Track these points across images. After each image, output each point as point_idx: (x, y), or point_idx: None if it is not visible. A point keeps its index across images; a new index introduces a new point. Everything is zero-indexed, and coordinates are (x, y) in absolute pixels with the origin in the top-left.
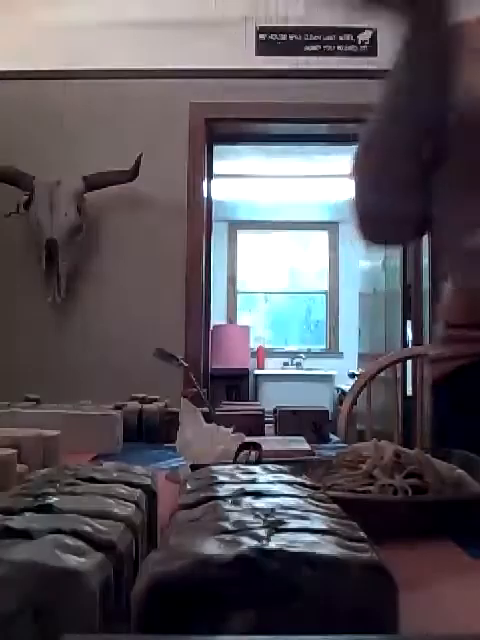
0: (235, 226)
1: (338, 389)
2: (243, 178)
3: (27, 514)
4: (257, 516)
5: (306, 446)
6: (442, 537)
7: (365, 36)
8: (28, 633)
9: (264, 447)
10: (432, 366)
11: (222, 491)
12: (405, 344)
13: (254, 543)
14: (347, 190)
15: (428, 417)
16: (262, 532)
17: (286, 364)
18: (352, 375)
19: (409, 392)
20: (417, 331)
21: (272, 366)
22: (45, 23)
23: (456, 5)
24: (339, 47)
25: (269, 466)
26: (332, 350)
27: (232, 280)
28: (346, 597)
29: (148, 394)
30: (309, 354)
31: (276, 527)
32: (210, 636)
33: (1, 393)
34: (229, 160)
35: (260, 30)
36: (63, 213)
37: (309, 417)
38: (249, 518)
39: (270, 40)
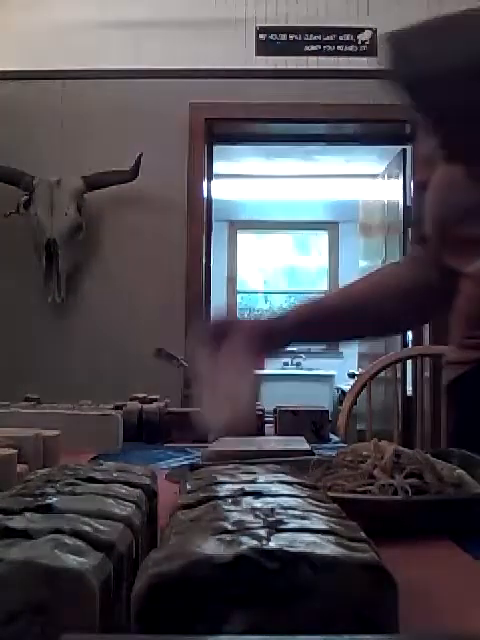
0: (235, 226)
1: (338, 389)
2: (243, 178)
3: (27, 514)
4: (257, 516)
5: (306, 446)
6: (442, 537)
7: (365, 36)
8: (28, 633)
9: (264, 447)
10: (448, 368)
11: (222, 491)
12: (405, 344)
13: (254, 543)
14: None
15: (429, 416)
16: (262, 532)
17: (286, 364)
18: (352, 375)
19: (409, 392)
20: (417, 331)
21: (272, 366)
22: (45, 23)
23: None
24: (339, 47)
25: (269, 466)
26: (332, 350)
27: (232, 280)
28: (346, 597)
29: (148, 394)
30: (309, 354)
31: (276, 527)
32: (210, 636)
33: (1, 393)
34: (229, 160)
35: (260, 30)
36: (63, 213)
37: (309, 417)
38: (249, 518)
39: (270, 40)
